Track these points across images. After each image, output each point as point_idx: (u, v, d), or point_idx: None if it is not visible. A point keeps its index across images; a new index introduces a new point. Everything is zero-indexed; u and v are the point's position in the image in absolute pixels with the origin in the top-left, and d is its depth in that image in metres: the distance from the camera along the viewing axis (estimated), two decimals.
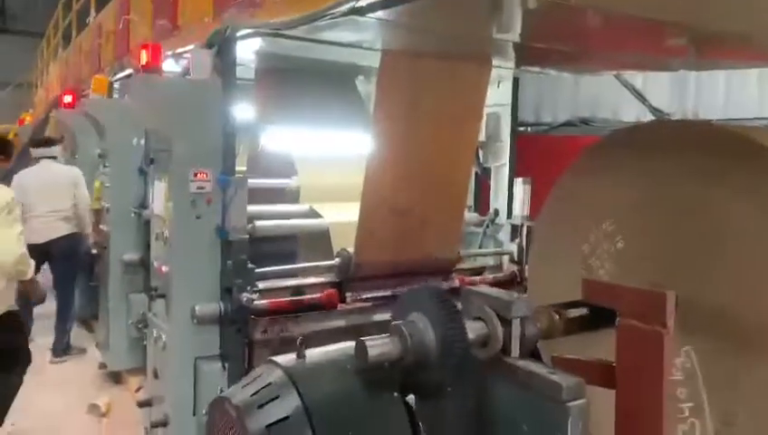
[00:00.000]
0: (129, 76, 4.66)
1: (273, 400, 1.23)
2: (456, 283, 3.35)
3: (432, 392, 1.28)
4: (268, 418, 1.21)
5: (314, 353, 1.37)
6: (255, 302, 2.67)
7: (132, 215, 4.05)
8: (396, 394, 1.29)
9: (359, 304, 2.99)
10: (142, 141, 4.16)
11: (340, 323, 2.95)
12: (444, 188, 3.20)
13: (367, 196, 2.94)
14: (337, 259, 3.01)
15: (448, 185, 3.23)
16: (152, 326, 2.96)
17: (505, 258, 3.70)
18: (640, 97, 4.41)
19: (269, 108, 3.32)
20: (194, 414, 2.77)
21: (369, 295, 3.03)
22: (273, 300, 2.81)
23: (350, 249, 3.01)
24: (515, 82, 3.73)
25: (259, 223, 2.94)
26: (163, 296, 2.81)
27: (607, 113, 4.79)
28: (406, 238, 3.12)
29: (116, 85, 5.12)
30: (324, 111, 3.65)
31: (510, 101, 3.75)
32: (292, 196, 3.51)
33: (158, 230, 2.92)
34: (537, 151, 4.10)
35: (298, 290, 2.97)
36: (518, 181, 3.68)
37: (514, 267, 3.64)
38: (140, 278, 4.16)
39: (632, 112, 4.64)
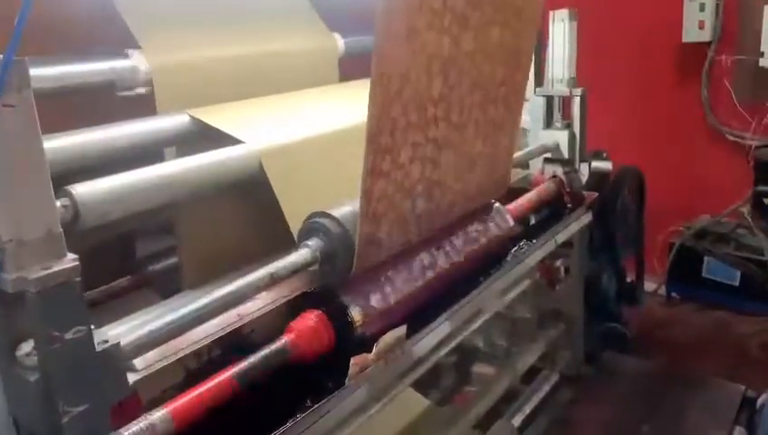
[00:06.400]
0: None
1: None
2: (509, 218, 1.74)
3: None
4: None
5: None
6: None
7: None
8: None
9: (386, 336, 1.27)
10: None
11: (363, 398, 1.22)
12: (497, 98, 1.48)
13: (377, 124, 1.14)
14: (312, 243, 1.23)
15: (502, 96, 1.51)
16: None
17: (536, 159, 2.13)
18: None
19: None
20: None
21: (393, 306, 1.32)
22: (192, 397, 1.00)
23: (335, 212, 1.25)
24: None
25: (99, 186, 1.04)
26: None
27: None
28: (440, 185, 1.40)
29: None
30: None
31: None
32: (137, 95, 1.51)
33: None
34: None
35: (235, 338, 1.17)
36: (558, 16, 2.04)
37: (557, 169, 2.11)
38: None
39: None
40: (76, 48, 1.45)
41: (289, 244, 1.31)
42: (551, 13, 2.03)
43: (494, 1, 1.36)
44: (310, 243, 1.22)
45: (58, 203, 0.98)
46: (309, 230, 1.25)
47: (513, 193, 1.93)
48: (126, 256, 1.76)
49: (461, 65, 1.33)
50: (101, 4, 1.45)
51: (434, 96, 1.28)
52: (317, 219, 1.25)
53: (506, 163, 1.70)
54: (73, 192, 1.02)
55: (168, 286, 1.69)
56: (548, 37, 2.07)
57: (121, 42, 1.46)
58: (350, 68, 2.01)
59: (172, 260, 1.70)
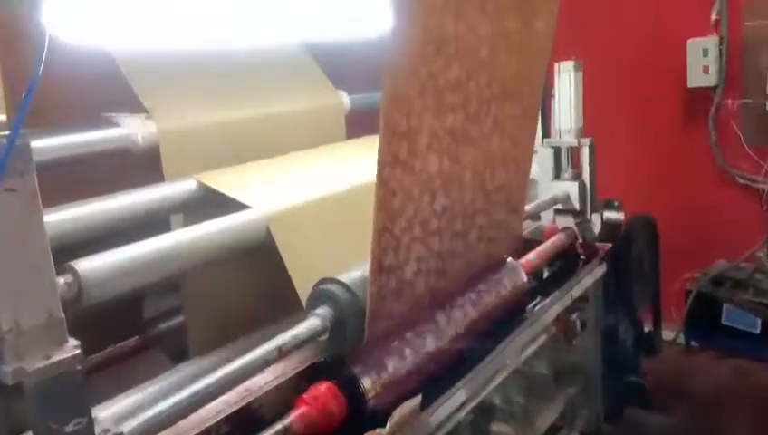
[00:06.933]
0: None
1: None
2: (522, 274, 1.70)
3: None
4: None
5: None
6: None
7: None
8: None
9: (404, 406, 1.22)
10: None
11: None
12: (508, 138, 1.47)
13: (389, 172, 1.12)
14: (321, 311, 1.19)
15: (513, 133, 1.50)
16: None
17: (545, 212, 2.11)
18: None
19: None
20: None
21: (407, 374, 1.27)
22: None
23: (344, 277, 1.22)
24: None
25: (103, 261, 1.01)
26: None
27: None
28: (455, 234, 1.38)
29: None
30: None
31: None
32: (142, 162, 1.51)
33: None
34: None
35: (242, 413, 1.13)
36: (563, 67, 2.05)
37: (568, 220, 2.09)
38: None
39: None
40: (80, 114, 1.45)
41: (297, 304, 1.29)
42: (555, 64, 2.04)
43: None
44: (319, 311, 1.18)
45: (61, 280, 0.96)
46: (318, 298, 1.21)
47: (525, 245, 1.90)
48: (133, 317, 1.73)
49: (477, 51, 1.30)
50: (107, 69, 1.45)
51: (450, 82, 1.24)
52: (326, 286, 1.21)
53: (519, 214, 1.68)
54: (77, 268, 1.00)
55: (175, 346, 1.67)
56: (553, 88, 2.07)
57: (127, 106, 1.46)
58: (356, 125, 2.01)
59: (179, 319, 1.68)
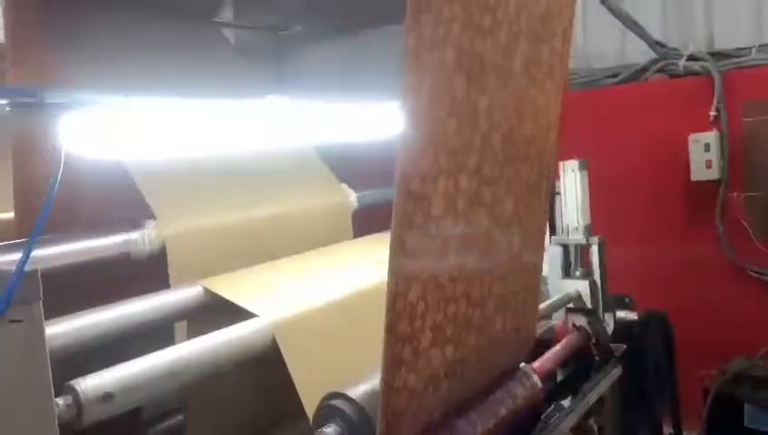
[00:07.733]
0: None
1: None
2: (537, 381, 1.64)
3: None
4: None
5: None
6: None
7: None
8: None
9: None
10: None
11: None
12: (523, 212, 1.46)
13: (400, 257, 1.10)
14: (329, 431, 1.13)
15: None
16: None
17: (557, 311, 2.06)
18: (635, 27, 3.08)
19: (58, 54, 1.29)
20: None
21: None
22: None
23: (352, 392, 1.17)
24: None
25: (103, 379, 0.98)
26: None
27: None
28: (471, 329, 1.34)
29: None
30: (181, 65, 1.72)
31: None
32: (149, 268, 1.49)
33: None
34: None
35: None
36: (568, 166, 2.07)
37: (581, 320, 2.04)
38: None
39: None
40: (92, 220, 1.45)
41: (302, 411, 1.24)
42: (561, 163, 2.06)
43: (508, 177, 1.34)
44: (327, 431, 1.13)
45: (60, 401, 0.92)
46: (325, 415, 1.16)
47: (537, 345, 1.84)
48: (132, 418, 1.67)
49: (477, 239, 1.29)
50: (119, 180, 1.46)
51: (452, 272, 1.23)
52: (334, 402, 1.16)
53: (531, 329, 1.64)
54: (77, 388, 0.96)
55: None
56: (558, 186, 2.08)
57: (138, 213, 1.46)
58: (363, 221, 2.00)
59: (179, 418, 1.63)
